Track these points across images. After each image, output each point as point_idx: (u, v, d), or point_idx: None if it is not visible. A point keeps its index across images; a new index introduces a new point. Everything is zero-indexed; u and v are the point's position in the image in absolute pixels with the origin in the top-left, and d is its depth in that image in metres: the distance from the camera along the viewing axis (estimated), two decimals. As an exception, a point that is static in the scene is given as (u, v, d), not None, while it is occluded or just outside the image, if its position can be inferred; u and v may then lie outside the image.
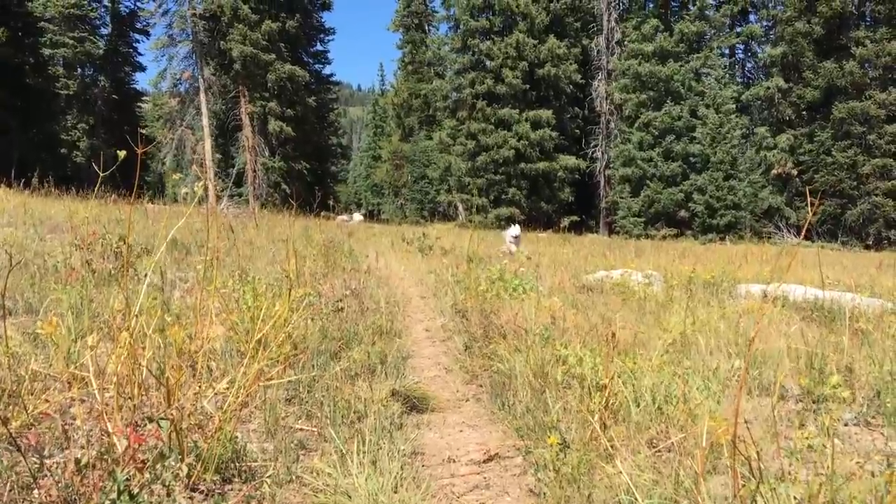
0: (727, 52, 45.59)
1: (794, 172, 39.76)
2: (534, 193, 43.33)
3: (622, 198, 41.75)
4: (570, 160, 43.54)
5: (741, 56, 47.41)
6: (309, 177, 42.71)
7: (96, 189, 4.25)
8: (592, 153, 46.21)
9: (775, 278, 10.58)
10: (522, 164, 42.46)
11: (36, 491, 2.38)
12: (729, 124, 37.90)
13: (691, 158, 39.00)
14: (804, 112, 40.60)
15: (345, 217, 35.65)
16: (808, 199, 33.36)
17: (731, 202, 37.06)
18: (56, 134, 40.15)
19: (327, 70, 50.85)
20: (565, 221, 39.30)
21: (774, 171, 40.00)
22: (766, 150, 40.57)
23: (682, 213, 38.81)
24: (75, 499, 2.34)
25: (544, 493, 2.93)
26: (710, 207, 37.35)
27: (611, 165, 44.16)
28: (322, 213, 22.05)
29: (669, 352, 5.01)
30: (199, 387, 3.32)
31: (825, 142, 38.59)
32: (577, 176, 44.43)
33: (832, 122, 38.30)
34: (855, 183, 37.43)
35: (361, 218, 16.70)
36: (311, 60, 46.00)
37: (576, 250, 18.28)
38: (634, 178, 40.81)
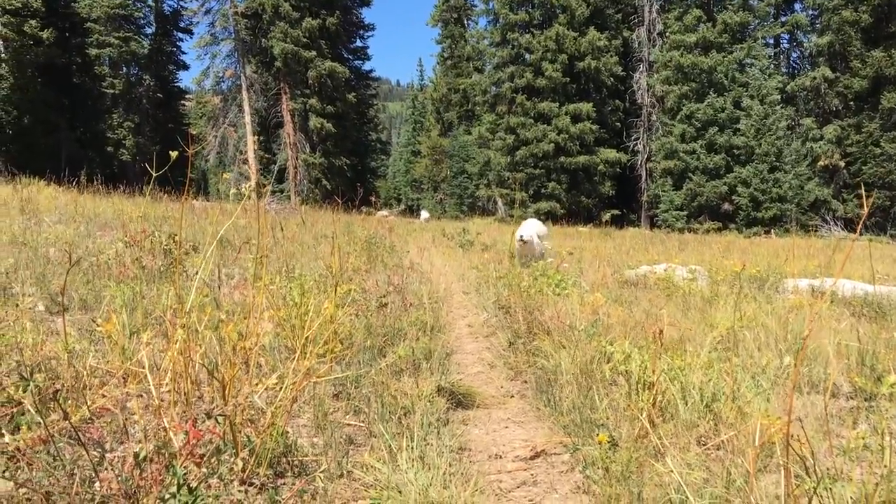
0: (772, 41, 44.72)
1: (842, 164, 38.92)
2: (574, 187, 43.08)
3: (664, 191, 41.28)
4: (611, 153, 43.19)
5: (786, 46, 46.44)
6: (349, 172, 43.05)
7: (145, 187, 4.35)
8: (633, 146, 45.76)
9: (824, 273, 10.38)
10: (562, 158, 42.23)
11: (97, 484, 2.46)
12: (774, 115, 37.22)
13: (735, 150, 38.38)
14: (851, 102, 39.66)
15: (384, 213, 35.80)
16: (861, 192, 32.61)
17: (777, 195, 36.41)
18: (102, 132, 41.05)
19: (367, 66, 51.33)
20: (606, 215, 39.06)
21: (821, 163, 39.18)
22: (812, 142, 39.73)
23: (726, 206, 38.24)
24: (135, 492, 2.41)
25: (593, 491, 2.93)
26: (754, 200, 36.74)
27: (652, 158, 43.69)
28: (363, 209, 22.19)
29: (717, 348, 4.96)
30: (251, 383, 3.39)
31: (873, 132, 37.65)
32: (617, 169, 44.05)
33: (880, 112, 37.36)
34: (904, 174, 36.52)
35: (428, 216, 16.21)
36: (350, 57, 46.34)
37: (617, 245, 18.15)
38: (677, 170, 40.33)
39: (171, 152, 3.47)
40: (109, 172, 33.07)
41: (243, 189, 4.17)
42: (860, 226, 2.88)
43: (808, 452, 2.34)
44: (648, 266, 11.70)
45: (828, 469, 2.60)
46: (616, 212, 42.95)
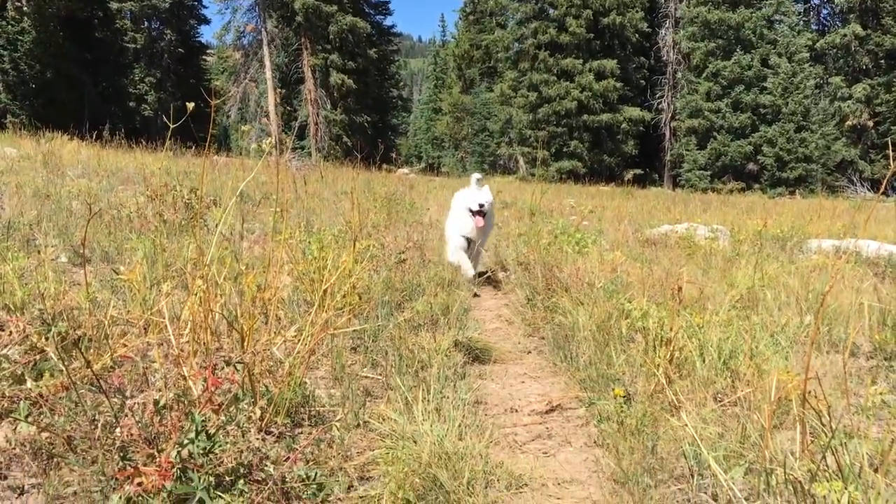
0: (802, -3, 43.66)
1: (870, 124, 38.19)
2: (596, 146, 42.65)
3: (688, 150, 40.77)
4: (635, 112, 42.63)
5: (816, 2, 45.28)
6: (370, 130, 42.89)
7: (166, 141, 4.35)
8: (658, 104, 45.12)
9: (848, 234, 10.26)
10: (585, 116, 41.76)
11: (118, 430, 2.50)
12: (802, 74, 36.49)
13: (761, 109, 37.72)
14: (882, 60, 38.74)
15: (405, 170, 35.70)
16: (889, 153, 31.99)
17: (803, 155, 35.86)
18: (124, 87, 41.08)
19: (388, 21, 50.67)
20: (628, 175, 38.71)
21: (849, 123, 38.47)
22: (840, 101, 38.96)
23: (751, 166, 37.74)
24: (155, 438, 2.45)
25: (607, 444, 2.95)
26: (780, 160, 36.22)
27: (677, 117, 43.08)
28: (384, 167, 22.15)
29: (736, 307, 4.93)
30: (270, 334, 3.42)
31: (904, 92, 36.85)
32: (641, 128, 43.50)
33: (911, 71, 36.51)
34: (935, 135, 35.78)
35: (480, 176, 15.35)
36: (372, 12, 45.83)
37: (639, 204, 18.01)
38: (701, 129, 39.76)
39: (188, 104, 3.46)
40: (132, 127, 33.09)
41: (264, 145, 4.17)
42: (885, 185, 2.82)
43: (824, 409, 2.33)
44: (670, 225, 11.61)
45: (844, 426, 2.60)
46: (639, 171, 42.52)
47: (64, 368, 2.79)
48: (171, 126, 3.68)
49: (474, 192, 6.95)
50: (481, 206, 6.74)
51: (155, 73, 44.03)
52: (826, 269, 6.40)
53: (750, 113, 37.94)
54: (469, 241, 6.97)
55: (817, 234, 10.85)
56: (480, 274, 7.41)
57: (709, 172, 39.22)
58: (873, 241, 9.54)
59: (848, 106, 38.58)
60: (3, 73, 33.62)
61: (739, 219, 13.00)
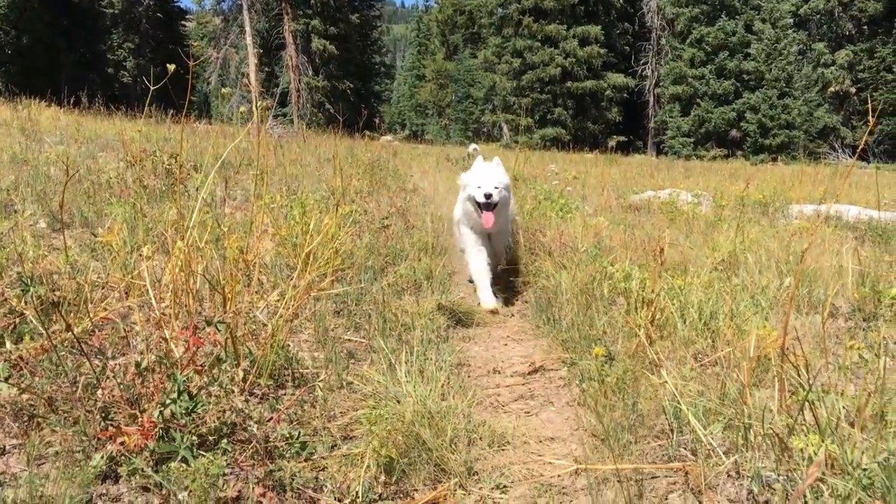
0: (786, -38, 43.43)
1: (853, 90, 38.31)
2: (580, 113, 42.52)
3: (671, 117, 40.77)
4: (619, 78, 42.47)
5: (801, -33, 45.08)
6: (352, 96, 42.49)
7: (145, 106, 4.29)
8: (642, 71, 44.98)
9: (829, 199, 10.33)
10: (569, 83, 41.56)
11: (100, 391, 2.49)
12: (785, 40, 36.44)
13: (745, 76, 37.72)
14: (865, 27, 38.75)
15: (388, 137, 35.48)
16: (868, 118, 32.14)
17: (785, 121, 35.96)
18: (103, 53, 40.41)
19: (370, -15, 49.77)
20: (612, 142, 38.55)
21: (831, 89, 38.56)
22: (823, 67, 39.01)
23: (734, 132, 37.82)
24: (137, 399, 2.45)
25: (588, 403, 2.98)
26: (762, 127, 36.30)
27: (660, 84, 43.00)
28: (367, 134, 21.98)
29: (718, 269, 4.96)
30: (252, 297, 3.41)
31: (886, 58, 36.91)
32: (625, 95, 43.39)
33: (894, 37, 36.52)
34: (916, 101, 35.95)
35: (476, 146, 17.91)
36: (353, -24, 45.16)
37: (623, 171, 18.02)
38: (685, 96, 39.73)
39: (168, 65, 3.40)
40: (111, 94, 32.59)
41: (242, 109, 4.12)
42: (859, 149, 2.83)
43: (802, 365, 2.36)
44: (653, 191, 11.64)
45: (822, 384, 2.63)
46: (623, 138, 42.42)
47: (44, 331, 2.77)
48: (151, 89, 3.63)
49: (480, 171, 5.11)
50: (488, 196, 4.84)
51: (133, 39, 43.32)
52: (807, 232, 6.45)
53: (733, 79, 37.93)
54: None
55: (799, 199, 10.92)
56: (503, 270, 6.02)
57: (692, 139, 39.28)
58: (854, 206, 9.62)
59: (831, 72, 38.64)
60: (-23, 40, 32.95)
61: (722, 185, 13.05)
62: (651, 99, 44.78)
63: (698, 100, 38.95)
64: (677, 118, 40.33)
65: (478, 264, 5.13)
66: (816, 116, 37.60)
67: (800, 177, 15.85)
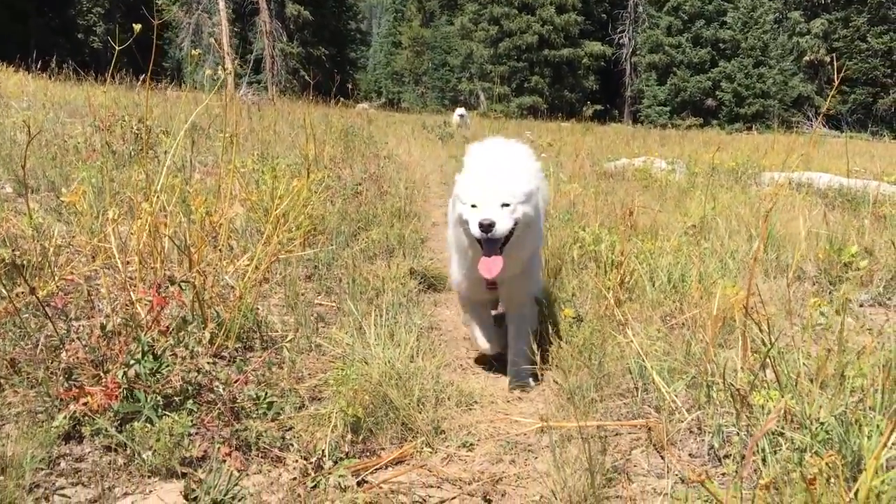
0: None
1: (827, 59, 38.49)
2: (557, 81, 42.38)
3: (648, 86, 40.81)
4: (596, 46, 42.33)
5: (779, -67, 44.97)
6: (328, 63, 41.95)
7: (111, 70, 4.20)
8: (619, 39, 44.85)
9: (801, 167, 10.40)
10: (546, 51, 41.36)
11: (64, 353, 2.47)
12: (761, 8, 36.51)
13: (721, 45, 37.79)
14: (841, -5, 38.90)
15: (364, 105, 35.13)
16: (843, 88, 32.39)
17: (760, 90, 36.14)
18: (72, 18, 39.49)
19: (346, -50, 48.95)
20: (589, 111, 38.51)
21: (806, 59, 38.75)
22: (798, 36, 39.12)
23: (710, 101, 37.96)
24: (102, 360, 2.43)
25: (556, 362, 3.00)
26: (738, 96, 36.46)
27: (637, 52, 42.94)
28: (342, 101, 21.74)
29: (688, 234, 5.00)
30: (221, 260, 3.38)
31: (861, 27, 37.11)
32: (602, 63, 43.29)
33: (869, 6, 36.74)
34: (889, 70, 36.29)
35: (464, 111, 18.63)
36: (328, -60, 44.38)
37: (598, 139, 18.03)
38: (661, 65, 39.75)
39: (134, 25, 3.33)
40: (80, 60, 31.89)
41: (219, 72, 4.05)
42: (822, 115, 2.85)
43: (765, 322, 2.38)
44: (627, 159, 11.66)
45: (786, 344, 2.67)
46: (599, 107, 42.29)
47: (6, 294, 2.73)
48: (117, 49, 3.56)
49: (481, 170, 3.05)
50: (488, 226, 2.75)
51: (103, 4, 42.33)
52: (777, 198, 6.51)
53: (710, 48, 37.99)
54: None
55: (771, 167, 10.99)
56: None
57: (668, 108, 39.37)
58: (825, 174, 9.70)
59: (806, 41, 38.78)
60: (-59, 3, 32.06)
61: (696, 153, 13.10)
62: (628, 67, 44.72)
63: (675, 68, 38.99)
64: (654, 87, 40.37)
65: (471, 313, 3.42)
66: (791, 86, 37.80)
67: (773, 145, 15.94)
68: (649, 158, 11.14)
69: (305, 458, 2.22)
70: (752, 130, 33.11)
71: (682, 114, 38.66)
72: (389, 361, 2.74)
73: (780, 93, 36.95)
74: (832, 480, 1.59)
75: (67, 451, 2.13)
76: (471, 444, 2.47)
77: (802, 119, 35.16)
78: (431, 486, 2.24)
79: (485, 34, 42.81)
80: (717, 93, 37.44)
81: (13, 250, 3.14)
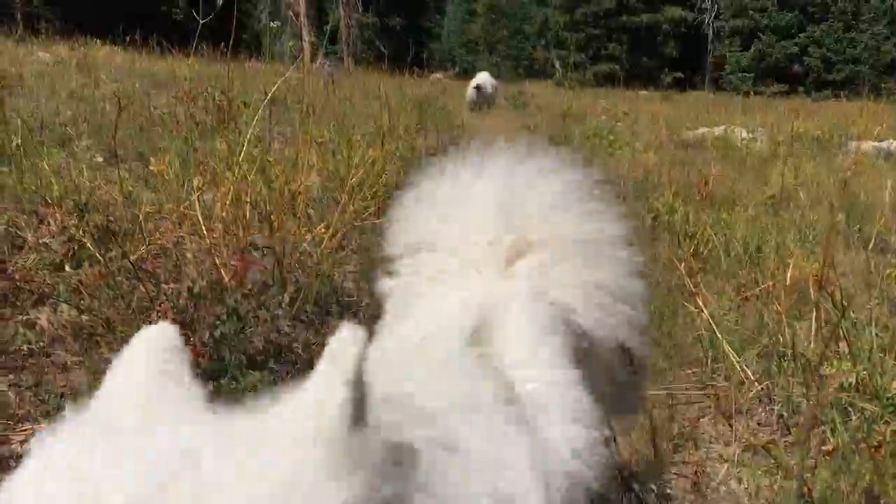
0: None
1: (924, 22, 36.45)
2: (635, 48, 41.37)
3: (731, 52, 39.47)
4: (676, 11, 41.09)
5: None
6: (402, 33, 42.01)
7: (195, 40, 4.35)
8: (701, 3, 43.40)
9: (891, 135, 9.98)
10: (624, 17, 40.40)
11: (154, 314, 2.62)
12: (854, -32, 34.74)
13: (809, 8, 36.15)
14: (942, -48, 36.63)
15: (438, 75, 35.08)
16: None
17: (851, 56, 34.53)
18: (155, -8, 40.55)
19: (421, -83, 48.70)
20: (668, 78, 37.66)
21: (901, 21, 36.74)
22: (893, -2, 37.11)
23: (796, 67, 36.48)
24: (190, 321, 2.57)
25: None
26: (826, 61, 34.93)
27: (720, 16, 41.51)
28: (416, 71, 21.80)
29: (767, 205, 4.90)
30: (299, 228, 3.51)
31: (963, -14, 34.95)
32: (682, 29, 42.00)
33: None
34: None
35: (486, 80, 12.97)
36: None
37: (677, 107, 17.63)
38: (745, 29, 38.34)
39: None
40: (164, 32, 32.91)
41: (292, 44, 4.15)
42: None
43: (844, 297, 2.35)
44: (707, 128, 11.39)
45: (865, 316, 2.62)
46: (679, 74, 41.28)
47: (100, 258, 2.91)
48: (201, 22, 3.70)
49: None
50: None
51: (185, -23, 43.31)
52: (862, 167, 6.29)
53: (797, 11, 36.42)
54: None
55: (859, 135, 10.57)
56: None
57: (752, 75, 38.02)
58: (917, 142, 9.30)
59: (902, 3, 36.80)
60: (34, -21, 33.37)
61: (780, 121, 12.68)
62: (710, 33, 43.29)
63: (759, 33, 37.56)
64: (737, 53, 39.02)
65: None
66: (884, 51, 35.94)
67: (862, 113, 15.29)
68: (730, 127, 10.85)
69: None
70: (840, 97, 31.77)
71: (766, 81, 37.30)
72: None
73: (872, 58, 35.21)
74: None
75: (158, 405, 2.28)
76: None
77: (894, 85, 33.48)
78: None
79: (561, 0, 42.10)
80: (804, 58, 35.94)
81: (106, 217, 3.32)
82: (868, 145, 8.97)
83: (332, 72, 19.73)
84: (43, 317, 2.69)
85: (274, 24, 4.67)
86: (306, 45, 36.27)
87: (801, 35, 36.21)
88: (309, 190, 4.55)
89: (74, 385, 2.30)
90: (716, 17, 42.50)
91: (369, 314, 3.10)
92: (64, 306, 2.49)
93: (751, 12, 37.81)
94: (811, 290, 2.64)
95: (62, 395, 2.16)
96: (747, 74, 38.17)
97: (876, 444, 1.43)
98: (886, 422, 1.79)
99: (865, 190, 5.39)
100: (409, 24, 43.83)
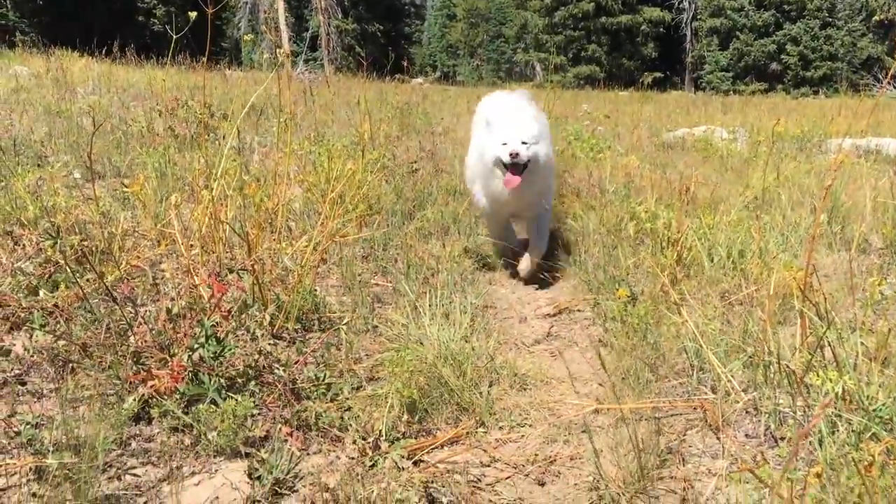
0: None
1: (900, 18, 36.86)
2: (615, 50, 41.57)
3: (709, 51, 39.74)
4: (655, 12, 41.32)
5: None
6: (382, 39, 42.03)
7: (171, 53, 4.30)
8: (679, 4, 43.67)
9: (869, 132, 10.04)
10: (603, 18, 40.58)
11: (132, 337, 2.58)
12: (829, -34, 35.06)
13: (785, 6, 36.47)
14: (915, -51, 37.07)
15: (419, 80, 35.09)
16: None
17: (828, 53, 34.87)
18: (133, 2, 40.27)
19: (399, -77, 48.74)
20: (648, 79, 37.77)
21: (876, 18, 37.11)
22: (868, -5, 37.50)
23: (774, 65, 36.79)
24: (168, 344, 2.52)
25: (611, 343, 2.99)
26: (804, 59, 35.24)
27: (698, 16, 41.78)
28: (397, 77, 21.73)
29: (749, 207, 4.90)
30: (279, 242, 3.46)
31: (937, -18, 35.34)
32: (661, 29, 42.25)
33: (947, -41, 34.91)
34: (968, 28, 34.47)
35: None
36: (381, -87, 44.22)
37: (657, 108, 17.66)
38: (723, 29, 38.62)
39: (190, 14, 3.41)
40: (142, 43, 32.63)
41: (279, 55, 4.11)
42: (889, 76, 2.75)
43: (822, 302, 2.34)
44: (687, 129, 11.42)
45: (849, 320, 2.61)
46: (659, 74, 41.49)
47: (76, 281, 2.85)
48: (175, 36, 3.65)
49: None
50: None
51: (163, -14, 43.02)
52: (843, 167, 6.31)
53: (773, 10, 36.73)
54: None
55: (838, 133, 10.63)
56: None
57: (731, 74, 38.32)
58: (895, 140, 9.35)
59: (876, 0, 37.13)
60: (10, -9, 33.08)
61: (760, 120, 12.74)
62: (688, 33, 43.56)
63: (737, 32, 37.84)
64: (715, 52, 39.30)
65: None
66: (860, 47, 36.33)
67: (840, 110, 15.40)
68: (710, 127, 10.88)
69: (363, 438, 2.28)
70: (818, 94, 32.04)
71: (745, 79, 37.60)
72: (444, 342, 2.78)
73: (849, 55, 35.57)
74: (891, 464, 1.57)
75: (137, 432, 2.23)
76: (524, 425, 2.50)
77: (872, 81, 33.80)
78: (486, 466, 2.28)
79: (540, 3, 42.24)
80: (782, 56, 36.24)
81: (81, 238, 3.27)
82: (848, 143, 9.02)
83: (313, 79, 19.68)
84: (18, 343, 2.64)
85: (248, 36, 4.64)
86: (285, 53, 36.02)
87: (779, 33, 36.53)
88: (290, 203, 4.52)
89: (49, 413, 2.25)
90: (694, 18, 42.77)
91: (352, 330, 3.07)
92: (39, 332, 2.43)
93: (728, 12, 38.10)
94: (794, 296, 2.63)
95: (37, 426, 2.11)
96: (726, 73, 38.45)
97: (867, 462, 1.41)
98: (874, 435, 1.78)
99: (845, 190, 5.41)
100: (389, 29, 43.83)
